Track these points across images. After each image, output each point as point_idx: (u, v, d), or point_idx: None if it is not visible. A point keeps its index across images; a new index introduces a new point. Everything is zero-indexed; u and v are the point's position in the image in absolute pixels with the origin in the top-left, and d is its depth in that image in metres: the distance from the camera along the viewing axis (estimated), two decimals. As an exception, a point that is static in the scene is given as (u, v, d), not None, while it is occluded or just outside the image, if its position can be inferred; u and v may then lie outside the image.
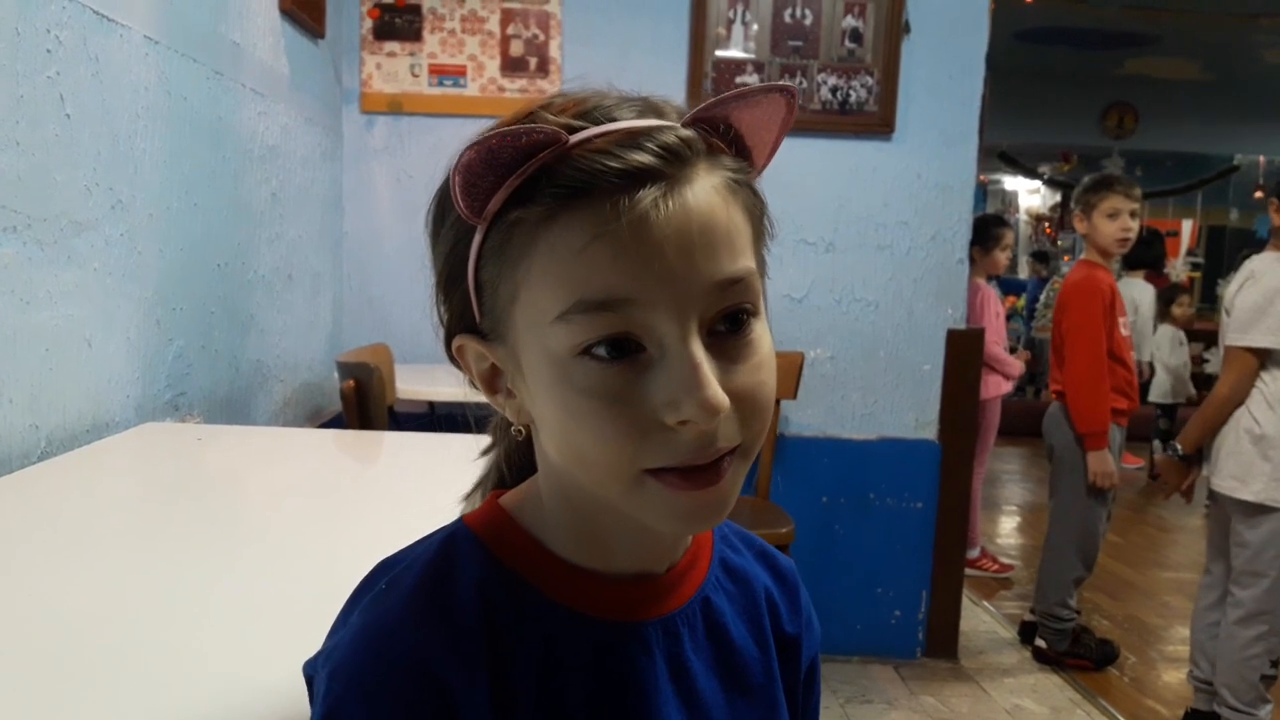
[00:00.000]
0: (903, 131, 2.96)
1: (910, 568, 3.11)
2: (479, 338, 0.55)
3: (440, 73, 2.90)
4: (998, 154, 9.93)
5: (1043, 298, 7.73)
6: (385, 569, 0.56)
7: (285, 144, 2.33)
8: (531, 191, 0.49)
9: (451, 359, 0.58)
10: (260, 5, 2.13)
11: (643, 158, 0.48)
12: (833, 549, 3.08)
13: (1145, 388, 5.81)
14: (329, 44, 2.70)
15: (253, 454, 1.55)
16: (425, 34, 2.89)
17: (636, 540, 0.56)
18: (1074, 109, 9.44)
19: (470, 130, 0.53)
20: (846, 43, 2.92)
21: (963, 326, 3.07)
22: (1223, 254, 10.64)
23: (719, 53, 2.91)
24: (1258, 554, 2.46)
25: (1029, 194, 11.90)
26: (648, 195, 0.48)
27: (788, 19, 2.91)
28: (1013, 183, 11.80)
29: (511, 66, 2.90)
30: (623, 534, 0.56)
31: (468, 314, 0.55)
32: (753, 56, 2.92)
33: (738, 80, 2.91)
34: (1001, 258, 4.08)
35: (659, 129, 0.50)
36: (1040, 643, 3.20)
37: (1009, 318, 6.85)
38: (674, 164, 0.49)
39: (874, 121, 2.94)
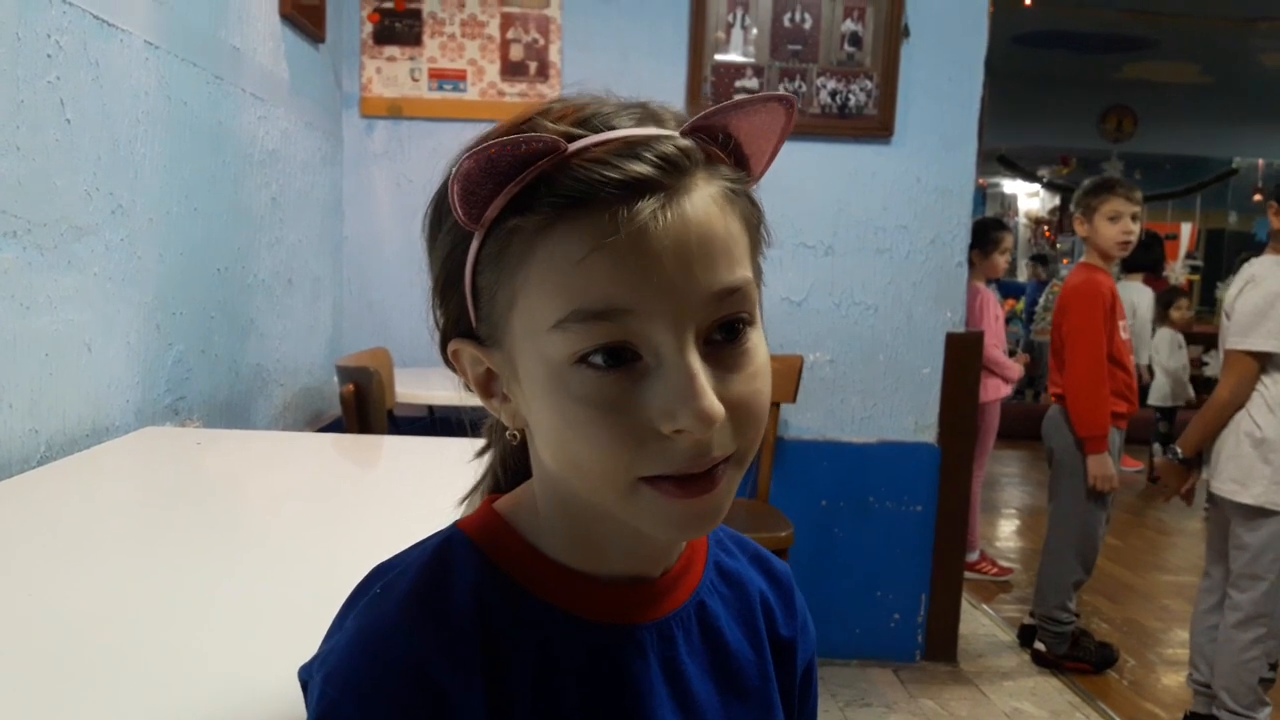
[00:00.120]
0: (902, 135, 2.96)
1: (909, 571, 3.11)
2: (475, 342, 0.55)
3: (440, 77, 2.90)
4: (997, 157, 9.93)
5: (1042, 301, 7.72)
6: (380, 574, 0.57)
7: (285, 148, 2.33)
8: (530, 199, 0.49)
9: (447, 362, 0.58)
10: (260, 10, 2.13)
11: (641, 168, 0.48)
12: (832, 552, 3.08)
13: (1144, 391, 5.81)
14: (329, 48, 2.70)
15: (252, 458, 1.55)
16: (425, 38, 2.89)
17: (631, 544, 0.56)
18: (1073, 112, 9.45)
19: (470, 134, 0.53)
20: (845, 46, 2.92)
21: (962, 330, 3.08)
22: (1221, 257, 10.63)
23: (718, 57, 2.92)
24: (1257, 557, 2.46)
25: (1028, 197, 11.90)
26: (646, 206, 0.48)
27: (787, 23, 2.91)
28: (1012, 186, 11.80)
29: (511, 71, 2.90)
30: (617, 538, 0.56)
31: (464, 319, 0.55)
32: (752, 60, 2.92)
33: (737, 84, 2.92)
34: (1001, 261, 4.09)
35: (658, 138, 0.50)
36: (1039, 646, 3.20)
37: (1008, 321, 6.85)
38: (672, 174, 0.49)
39: (873, 125, 2.94)
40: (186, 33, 1.77)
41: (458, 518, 0.60)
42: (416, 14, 2.89)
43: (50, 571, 0.94)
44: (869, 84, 2.93)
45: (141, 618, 0.85)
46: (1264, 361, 2.44)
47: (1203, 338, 7.29)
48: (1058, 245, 10.96)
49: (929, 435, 3.07)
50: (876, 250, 3.01)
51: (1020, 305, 8.69)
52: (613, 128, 0.50)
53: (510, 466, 0.63)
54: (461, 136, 0.52)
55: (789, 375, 2.72)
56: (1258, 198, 10.07)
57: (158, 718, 0.68)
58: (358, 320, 2.94)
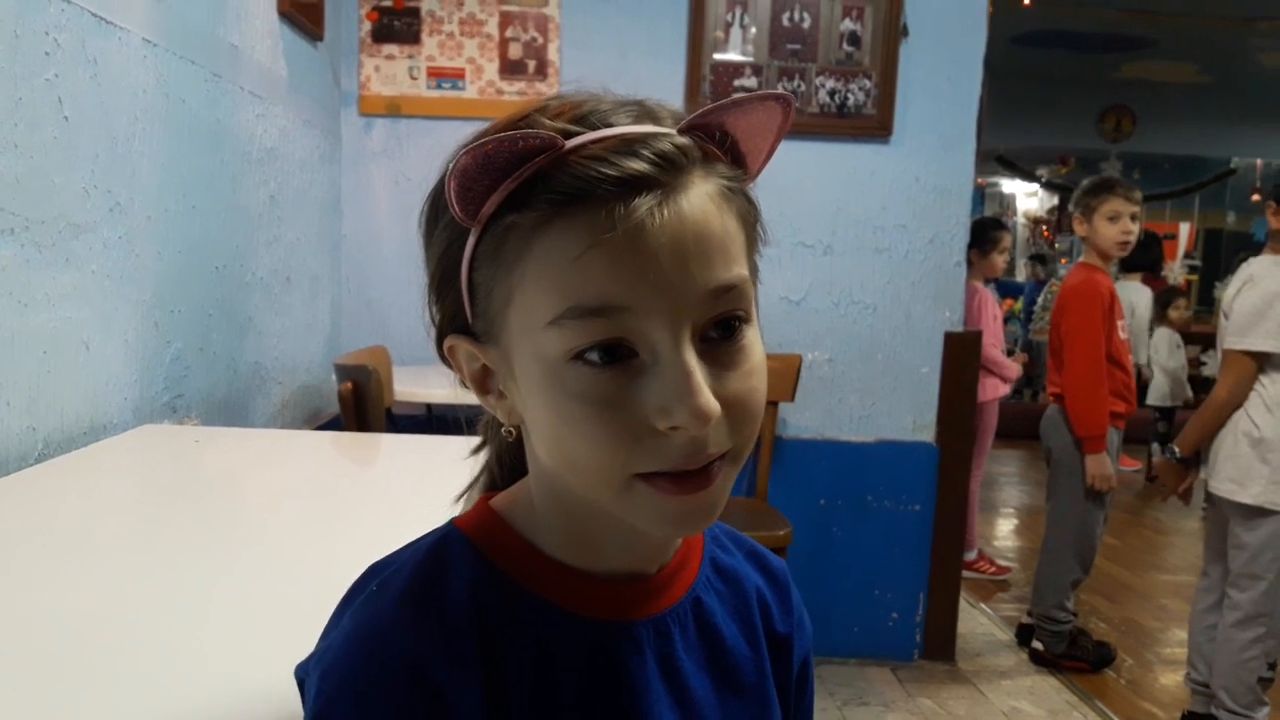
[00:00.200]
0: (901, 134, 2.96)
1: (908, 570, 3.12)
2: (471, 338, 0.55)
3: (439, 75, 2.90)
4: (995, 157, 9.94)
5: (1040, 300, 7.73)
6: (376, 571, 0.57)
7: (283, 146, 2.33)
8: (527, 196, 0.49)
9: (443, 358, 0.58)
10: (259, 8, 2.13)
11: (639, 165, 0.48)
12: (830, 551, 3.09)
13: (1143, 391, 5.82)
14: (327, 46, 2.70)
15: (250, 456, 1.55)
16: (424, 36, 2.89)
17: (627, 541, 0.57)
18: (1072, 112, 9.45)
19: (468, 133, 0.53)
20: (844, 46, 2.92)
21: (960, 329, 3.08)
22: (1220, 257, 10.64)
23: (717, 56, 2.92)
24: (1256, 556, 2.46)
25: (1027, 197, 11.91)
26: (644, 204, 0.48)
27: (786, 22, 2.91)
28: (1010, 186, 11.81)
29: (510, 69, 2.90)
30: (613, 535, 0.56)
31: (460, 315, 0.55)
32: (751, 59, 2.92)
33: (736, 83, 2.92)
34: (999, 261, 4.09)
35: (655, 136, 0.50)
36: (1037, 645, 3.20)
37: (1006, 320, 6.85)
38: (670, 172, 0.49)
39: (872, 124, 2.94)
40: (185, 30, 1.76)
41: (454, 515, 0.60)
42: (415, 12, 2.89)
43: (47, 569, 0.94)
44: (868, 83, 2.93)
45: (139, 615, 0.85)
46: (1262, 361, 2.45)
47: (1201, 337, 7.30)
48: (1056, 245, 10.97)
49: (927, 434, 3.08)
50: (875, 249, 3.01)
51: (1019, 305, 8.69)
52: (610, 125, 0.50)
53: (506, 463, 0.63)
54: (460, 135, 0.52)
55: (787, 374, 2.72)
56: (1256, 197, 10.09)
57: (154, 715, 0.68)
58: (356, 318, 2.94)
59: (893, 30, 2.90)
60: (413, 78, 2.90)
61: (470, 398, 0.58)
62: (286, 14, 2.28)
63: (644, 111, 0.52)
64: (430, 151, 2.90)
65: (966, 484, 3.20)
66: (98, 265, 1.48)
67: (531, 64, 2.90)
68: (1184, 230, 10.96)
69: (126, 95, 1.55)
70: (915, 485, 3.08)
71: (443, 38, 2.89)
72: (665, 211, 0.48)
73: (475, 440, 0.65)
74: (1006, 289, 8.59)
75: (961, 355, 3.08)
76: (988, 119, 3.23)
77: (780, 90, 0.53)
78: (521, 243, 0.50)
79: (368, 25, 2.89)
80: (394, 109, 2.91)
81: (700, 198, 0.50)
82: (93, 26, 1.44)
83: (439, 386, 2.32)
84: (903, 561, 3.11)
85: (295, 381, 2.48)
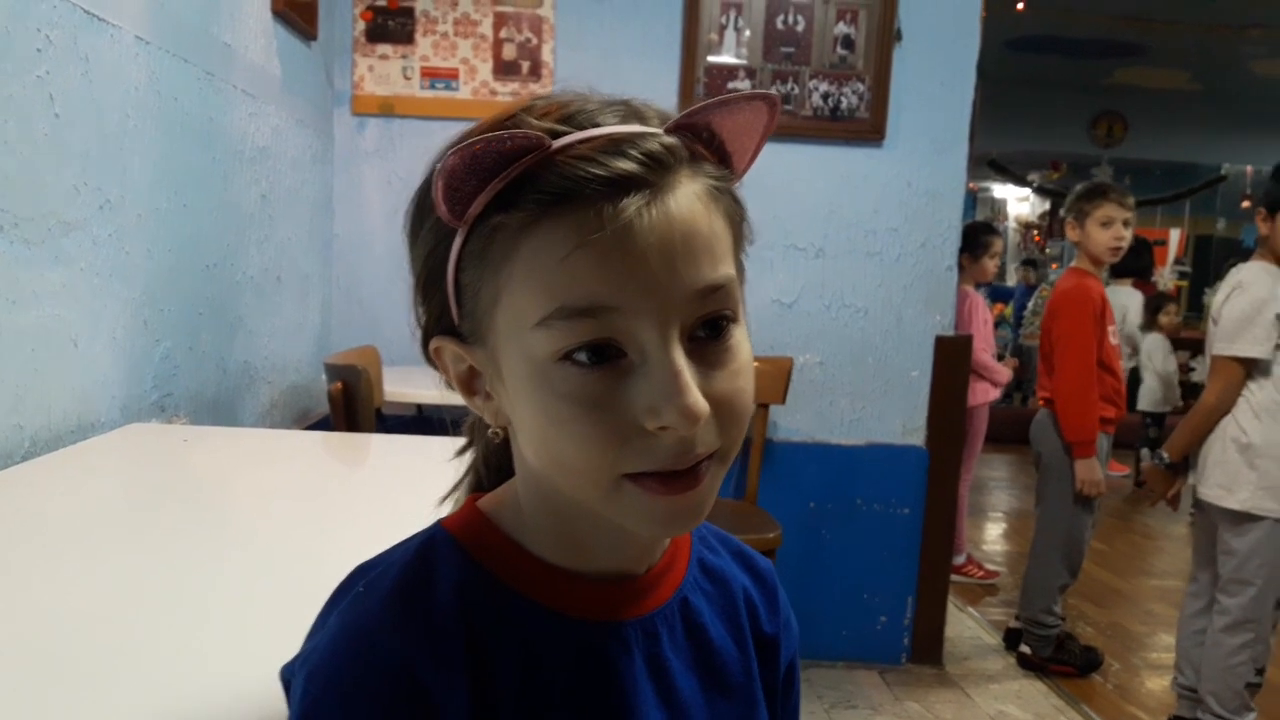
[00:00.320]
0: (893, 138, 2.97)
1: (896, 573, 3.12)
2: (457, 340, 0.55)
3: (432, 75, 2.90)
4: (987, 162, 9.96)
5: (1031, 305, 7.75)
6: (363, 572, 0.56)
7: (276, 145, 2.33)
8: (514, 196, 0.49)
9: (428, 360, 0.58)
10: (252, 6, 2.13)
11: (626, 165, 0.48)
12: (819, 554, 3.09)
13: (1132, 395, 5.83)
14: (321, 46, 2.69)
15: (239, 456, 1.55)
16: (418, 37, 2.89)
17: (615, 541, 0.57)
18: (1064, 117, 9.49)
19: (457, 133, 0.53)
20: (838, 49, 2.93)
21: (951, 333, 3.09)
22: (1210, 263, 10.69)
23: (711, 58, 2.92)
24: (1244, 562, 2.47)
25: (1018, 202, 11.95)
26: (632, 203, 0.48)
27: (779, 25, 2.92)
28: (1002, 190, 11.85)
29: (504, 70, 2.90)
30: (601, 535, 0.56)
31: (446, 316, 0.55)
32: (744, 62, 2.93)
33: (729, 86, 2.92)
34: (990, 265, 4.10)
35: (642, 135, 0.50)
36: (1025, 649, 3.21)
37: (997, 325, 6.87)
38: (657, 171, 0.49)
39: (865, 128, 2.95)
40: (178, 28, 1.76)
41: (441, 516, 0.60)
42: (409, 12, 2.88)
43: (34, 568, 0.94)
44: (861, 87, 2.93)
45: (125, 615, 0.84)
46: (1250, 367, 2.46)
47: (1190, 343, 7.32)
48: (1047, 250, 11.01)
49: (917, 438, 3.08)
50: (867, 253, 3.01)
51: (1009, 309, 8.72)
52: (597, 125, 0.50)
53: (493, 465, 0.63)
54: (453, 136, 0.52)
55: (778, 377, 2.72)
56: (1246, 204, 10.15)
57: (141, 714, 0.68)
58: (346, 318, 2.94)
59: (886, 34, 2.91)
60: (406, 78, 2.90)
61: (459, 399, 0.58)
62: (280, 13, 2.28)
63: (630, 111, 0.52)
64: (423, 152, 2.83)
65: (956, 488, 3.21)
66: (87, 263, 1.48)
67: (525, 65, 2.90)
68: (1174, 236, 11.00)
69: (118, 92, 1.55)
70: (905, 489, 3.08)
71: (436, 38, 2.89)
72: (653, 211, 0.48)
73: (464, 441, 0.65)
74: (997, 294, 8.61)
75: (952, 359, 3.08)
76: (980, 123, 3.24)
77: (766, 90, 0.53)
78: (509, 243, 0.49)
79: (361, 25, 2.88)
80: (387, 109, 2.90)
81: (688, 197, 0.50)
82: (85, 23, 1.44)
83: (429, 387, 2.29)
84: (891, 565, 3.11)
85: (285, 381, 2.48)
